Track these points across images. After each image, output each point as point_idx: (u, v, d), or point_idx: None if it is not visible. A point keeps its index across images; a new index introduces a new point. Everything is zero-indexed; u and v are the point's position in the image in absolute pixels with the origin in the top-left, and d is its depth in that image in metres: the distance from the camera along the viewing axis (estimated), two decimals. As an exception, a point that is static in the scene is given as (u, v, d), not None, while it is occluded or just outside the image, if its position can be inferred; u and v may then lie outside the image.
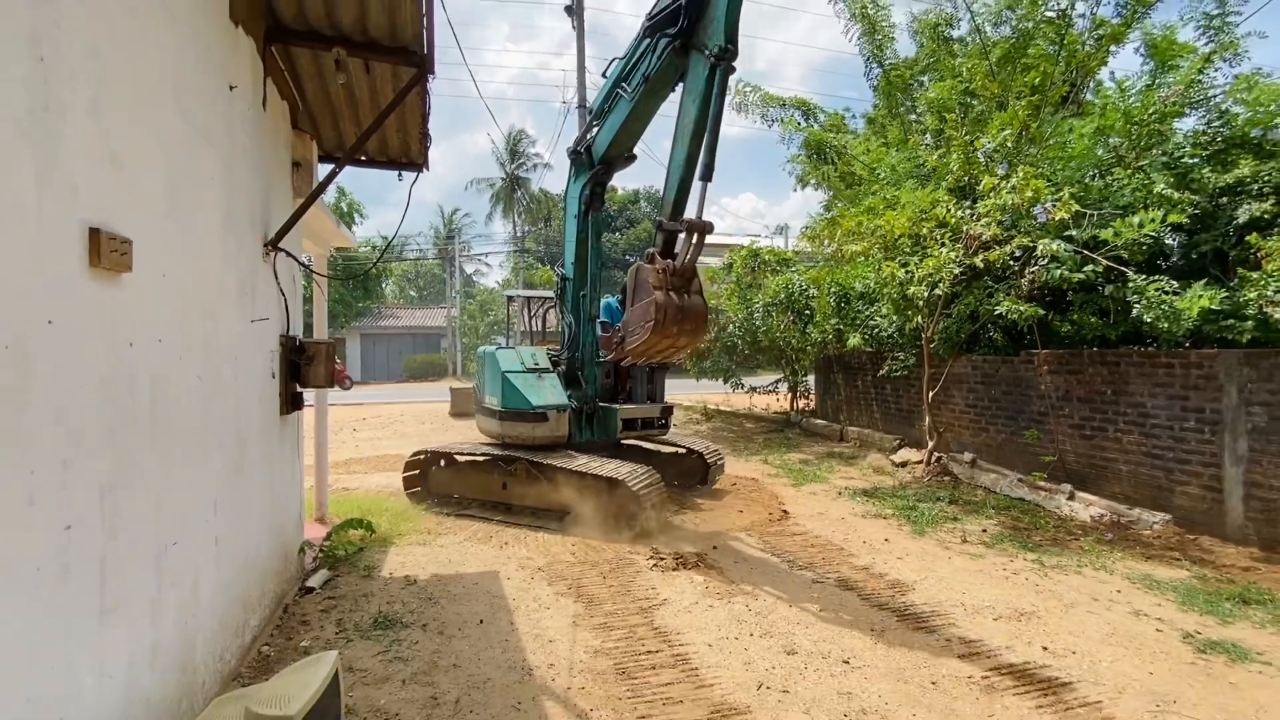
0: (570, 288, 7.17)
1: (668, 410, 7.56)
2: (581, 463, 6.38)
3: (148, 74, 2.43)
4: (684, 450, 7.87)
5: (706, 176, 4.53)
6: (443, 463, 7.38)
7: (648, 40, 5.40)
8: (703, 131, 4.57)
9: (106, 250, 2.05)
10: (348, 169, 4.79)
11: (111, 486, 2.14)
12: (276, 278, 4.15)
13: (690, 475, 7.88)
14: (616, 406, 7.20)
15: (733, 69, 4.55)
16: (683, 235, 4.66)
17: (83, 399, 1.99)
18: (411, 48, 4.02)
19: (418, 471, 7.34)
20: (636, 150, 6.73)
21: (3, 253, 1.63)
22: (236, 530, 3.40)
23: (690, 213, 4.64)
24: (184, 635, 2.69)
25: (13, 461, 1.67)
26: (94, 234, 2.02)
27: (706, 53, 4.55)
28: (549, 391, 6.89)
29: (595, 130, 6.74)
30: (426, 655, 3.74)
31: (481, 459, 7.13)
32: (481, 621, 4.21)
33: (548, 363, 7.26)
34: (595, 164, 6.80)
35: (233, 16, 3.36)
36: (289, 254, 4.31)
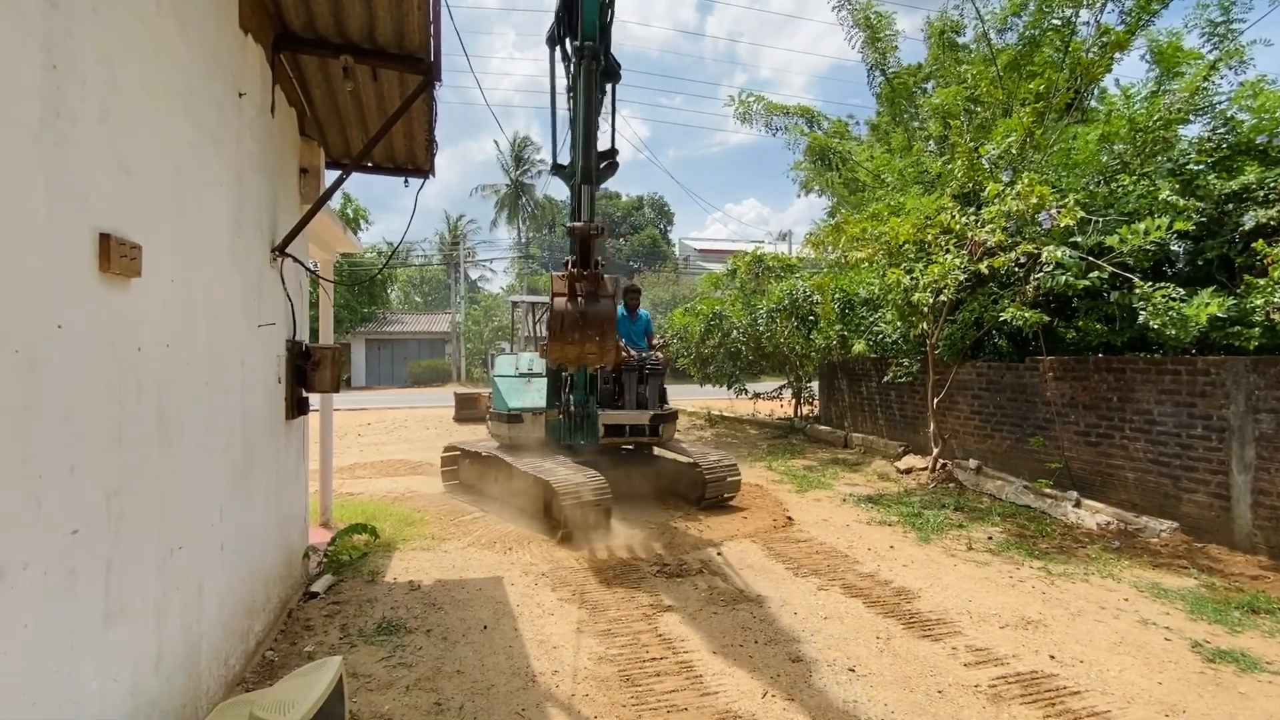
0: None
1: (663, 417, 7.43)
2: (526, 463, 6.64)
3: (158, 81, 2.45)
4: (692, 461, 7.84)
5: (586, 179, 4.46)
6: (468, 459, 8.14)
7: (552, 53, 5.48)
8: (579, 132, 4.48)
9: (116, 255, 2.06)
10: (354, 175, 4.82)
11: (118, 491, 2.15)
12: (283, 283, 4.17)
13: (696, 487, 7.78)
14: (599, 412, 7.25)
15: (597, 64, 4.47)
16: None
17: (90, 403, 2.00)
18: (418, 55, 4.04)
19: (454, 462, 8.33)
20: (619, 160, 6.82)
21: (14, 257, 1.65)
22: (241, 535, 3.40)
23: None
24: (189, 640, 2.70)
25: (20, 465, 1.68)
26: (104, 239, 2.03)
27: (573, 52, 4.54)
28: (530, 395, 7.19)
29: (565, 142, 6.89)
30: (430, 661, 3.74)
31: (485, 455, 7.60)
32: (485, 627, 4.21)
33: (543, 367, 7.48)
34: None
35: (242, 25, 3.39)
36: (296, 259, 4.33)
